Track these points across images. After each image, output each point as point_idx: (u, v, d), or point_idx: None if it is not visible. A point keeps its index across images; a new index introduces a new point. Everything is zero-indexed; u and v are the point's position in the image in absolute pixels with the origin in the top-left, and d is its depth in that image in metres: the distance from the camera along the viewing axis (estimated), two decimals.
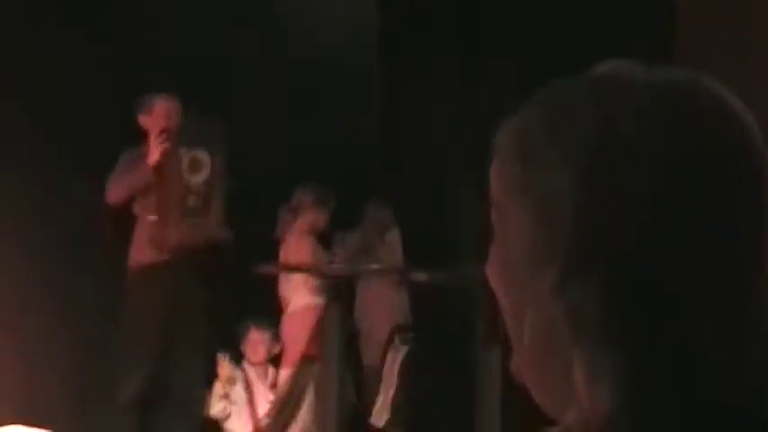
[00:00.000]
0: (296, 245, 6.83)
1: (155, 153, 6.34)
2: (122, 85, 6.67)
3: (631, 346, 0.88)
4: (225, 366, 6.69)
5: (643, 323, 0.89)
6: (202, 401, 6.71)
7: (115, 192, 6.38)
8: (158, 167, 6.40)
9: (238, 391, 6.73)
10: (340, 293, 5.89)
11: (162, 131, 6.33)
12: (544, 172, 0.92)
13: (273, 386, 6.79)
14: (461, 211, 6.88)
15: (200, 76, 6.82)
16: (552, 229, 0.91)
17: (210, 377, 6.76)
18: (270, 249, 6.82)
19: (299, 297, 6.72)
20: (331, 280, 6.05)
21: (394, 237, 7.23)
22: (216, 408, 6.69)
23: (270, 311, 6.80)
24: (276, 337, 6.77)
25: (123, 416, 6.47)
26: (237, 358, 6.83)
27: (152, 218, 6.43)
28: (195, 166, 6.54)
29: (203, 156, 6.55)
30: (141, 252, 6.49)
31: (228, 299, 6.90)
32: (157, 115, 6.39)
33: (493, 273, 0.98)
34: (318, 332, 6.40)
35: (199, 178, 6.52)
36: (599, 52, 1.13)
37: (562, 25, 6.06)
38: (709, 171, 0.90)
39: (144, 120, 6.42)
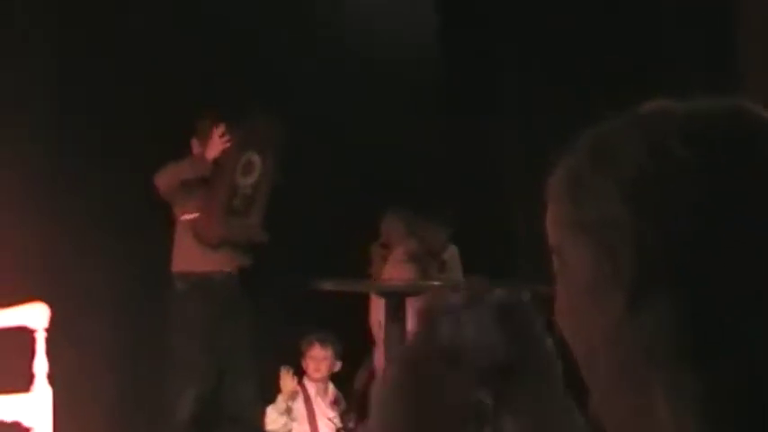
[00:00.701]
0: (398, 276, 6.89)
1: (214, 150, 6.41)
2: (186, 86, 6.76)
3: (708, 367, 0.88)
4: (287, 380, 6.70)
5: (717, 340, 0.88)
6: (259, 416, 6.74)
7: (164, 178, 6.41)
8: (216, 165, 6.47)
9: (298, 408, 6.73)
10: (400, 312, 5.88)
11: (224, 132, 6.40)
12: (598, 205, 0.93)
13: (334, 403, 6.79)
14: (521, 226, 6.87)
15: (261, 78, 6.86)
16: (614, 259, 0.92)
17: (268, 392, 6.79)
18: (329, 264, 6.85)
19: None
20: (391, 298, 6.03)
21: (451, 254, 7.22)
22: (277, 423, 6.70)
23: (332, 327, 6.80)
24: (338, 354, 6.78)
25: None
26: (298, 374, 6.84)
27: (194, 216, 6.51)
28: (247, 168, 6.65)
29: (256, 159, 6.65)
30: (184, 259, 6.58)
31: (289, 314, 6.94)
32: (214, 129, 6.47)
33: (561, 319, 0.99)
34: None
35: (248, 180, 6.65)
36: (659, 82, 1.13)
37: (621, 53, 6.06)
38: (760, 185, 0.92)
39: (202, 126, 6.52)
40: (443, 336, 1.08)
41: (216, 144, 6.43)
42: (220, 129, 6.42)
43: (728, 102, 0.96)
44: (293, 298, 6.77)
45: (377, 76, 7.58)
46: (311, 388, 6.77)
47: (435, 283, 6.88)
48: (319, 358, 6.74)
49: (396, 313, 5.94)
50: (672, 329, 0.89)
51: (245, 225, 6.66)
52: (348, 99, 7.42)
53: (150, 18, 6.77)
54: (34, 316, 5.50)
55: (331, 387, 6.84)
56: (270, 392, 6.77)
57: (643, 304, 0.90)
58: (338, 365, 6.79)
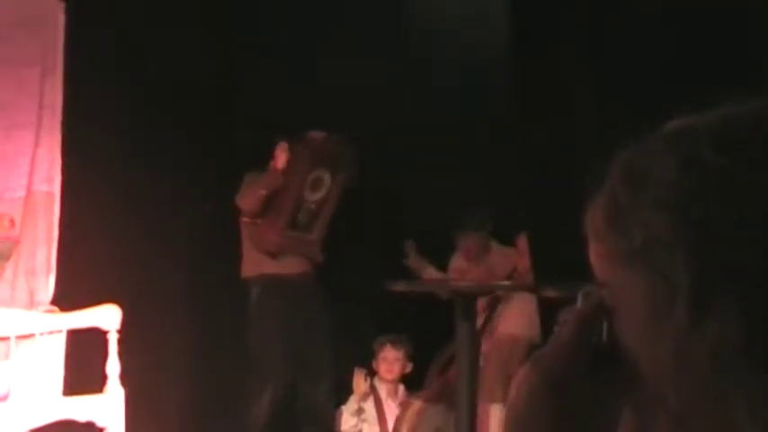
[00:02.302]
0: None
1: (279, 161, 6.52)
2: (260, 103, 6.82)
3: None
4: (360, 382, 6.72)
5: None
6: (333, 417, 6.76)
7: (246, 200, 6.57)
8: (286, 177, 6.53)
9: (369, 408, 6.74)
10: (471, 311, 5.85)
11: (286, 146, 6.50)
12: (641, 230, 0.92)
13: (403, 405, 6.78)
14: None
15: (339, 101, 6.90)
16: (668, 280, 0.91)
17: (342, 394, 6.81)
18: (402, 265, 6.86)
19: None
20: (461, 297, 6.00)
21: (496, 255, 7.17)
22: (348, 423, 6.72)
23: (404, 328, 6.80)
24: (409, 356, 6.78)
25: None
26: (370, 375, 6.85)
27: (257, 221, 6.58)
28: (316, 185, 6.70)
29: (326, 176, 6.70)
30: (254, 263, 6.64)
31: (363, 315, 6.95)
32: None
33: (626, 349, 0.97)
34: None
35: (315, 196, 6.70)
36: (743, 88, 1.10)
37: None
38: None
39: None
40: (593, 343, 1.04)
41: (280, 156, 6.51)
42: (284, 144, 6.52)
43: (755, 103, 0.95)
44: (368, 299, 6.78)
45: (448, 80, 7.58)
46: (382, 389, 6.78)
47: (505, 283, 6.85)
48: (391, 360, 6.76)
49: (467, 313, 5.91)
50: (741, 339, 0.87)
51: (304, 240, 6.72)
52: (424, 105, 7.42)
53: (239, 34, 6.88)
54: (107, 317, 5.57)
55: (402, 388, 6.84)
56: (344, 393, 6.80)
57: (705, 315, 0.88)
58: (409, 367, 6.80)
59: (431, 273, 7.20)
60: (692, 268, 0.89)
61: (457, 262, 7.21)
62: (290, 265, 6.69)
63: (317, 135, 6.63)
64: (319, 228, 6.75)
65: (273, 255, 6.64)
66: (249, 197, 6.56)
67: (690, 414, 0.92)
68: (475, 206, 7.06)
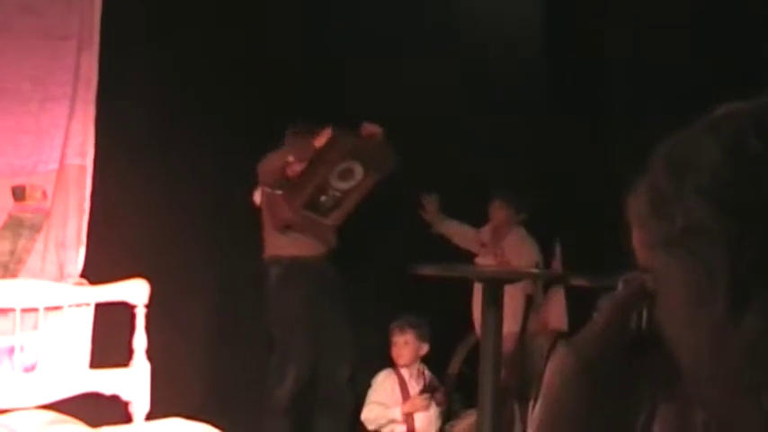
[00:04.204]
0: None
1: (322, 138, 6.50)
2: (292, 90, 6.83)
3: None
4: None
5: None
6: (353, 398, 6.78)
7: (269, 161, 6.54)
8: (317, 158, 6.53)
9: (395, 391, 6.75)
10: (497, 298, 5.84)
11: (329, 129, 6.51)
12: (682, 215, 0.92)
13: (429, 386, 6.77)
14: (623, 216, 6.77)
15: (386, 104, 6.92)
16: (708, 266, 0.90)
17: (364, 375, 6.83)
18: (429, 249, 6.85)
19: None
20: (488, 284, 6.00)
21: (516, 239, 7.13)
22: (372, 412, 6.74)
23: (431, 312, 6.79)
24: (423, 337, 6.75)
25: (277, 416, 6.60)
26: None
27: (277, 192, 6.58)
28: (346, 174, 6.71)
29: (359, 170, 6.70)
30: (274, 244, 6.65)
31: (389, 298, 6.96)
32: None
33: (665, 333, 0.97)
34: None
35: (342, 185, 6.71)
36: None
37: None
38: None
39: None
40: (631, 330, 1.04)
41: (322, 136, 6.51)
42: (329, 128, 6.52)
43: None
44: (394, 282, 6.78)
45: (484, 75, 7.58)
46: (405, 372, 6.78)
47: (534, 270, 6.83)
48: (399, 344, 6.75)
49: (493, 299, 5.91)
50: None
51: (318, 222, 6.71)
52: (455, 95, 7.42)
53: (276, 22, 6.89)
54: (135, 292, 5.60)
55: (425, 370, 6.83)
56: (366, 375, 6.81)
57: (744, 305, 0.88)
58: (425, 348, 6.76)
59: (449, 225, 7.14)
60: (731, 257, 0.89)
61: (484, 232, 7.16)
62: (307, 248, 6.70)
63: (368, 130, 6.61)
64: (337, 216, 6.74)
65: (285, 231, 6.64)
66: (273, 159, 6.53)
67: (725, 406, 0.92)
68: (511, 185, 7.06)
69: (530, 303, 6.95)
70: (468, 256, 7.14)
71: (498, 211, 7.07)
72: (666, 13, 6.63)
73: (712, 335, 0.90)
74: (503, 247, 7.03)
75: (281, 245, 6.67)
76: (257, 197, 6.74)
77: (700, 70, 6.33)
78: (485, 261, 7.03)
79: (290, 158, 6.54)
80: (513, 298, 6.69)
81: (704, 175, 0.91)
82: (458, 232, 7.15)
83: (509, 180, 7.10)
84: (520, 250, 7.00)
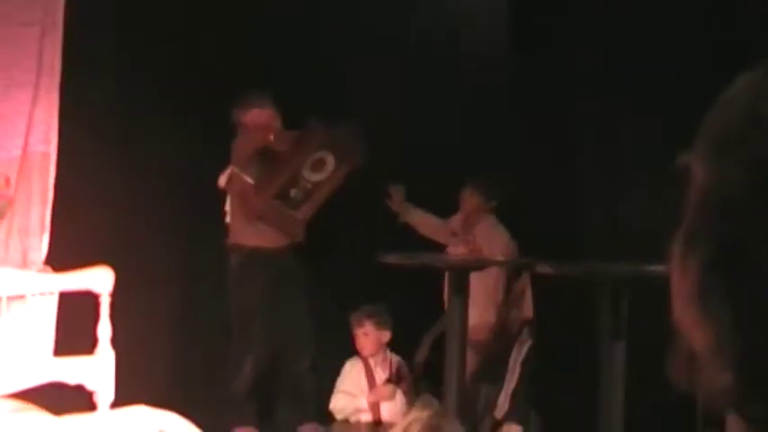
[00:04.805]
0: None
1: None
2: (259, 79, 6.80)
3: None
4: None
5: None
6: (314, 390, 6.78)
7: (246, 141, 6.59)
8: (289, 150, 6.55)
9: (361, 381, 6.75)
10: (462, 286, 5.86)
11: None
12: (699, 160, 0.93)
13: (397, 373, 6.78)
14: (589, 204, 6.81)
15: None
16: (695, 216, 0.92)
17: (325, 366, 6.83)
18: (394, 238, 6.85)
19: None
20: (454, 272, 6.01)
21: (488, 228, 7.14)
22: (340, 402, 6.75)
23: (399, 300, 6.79)
24: (383, 325, 6.74)
25: (236, 405, 6.60)
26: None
27: (249, 180, 6.56)
28: (317, 166, 6.70)
29: (330, 161, 6.69)
30: (238, 232, 6.63)
31: (354, 287, 6.96)
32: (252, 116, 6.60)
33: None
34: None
35: (314, 177, 6.68)
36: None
37: None
38: None
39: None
40: None
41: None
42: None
43: None
44: (361, 271, 6.78)
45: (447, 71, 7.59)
46: (371, 360, 6.79)
47: (500, 258, 6.85)
48: (360, 336, 6.76)
49: (458, 287, 5.92)
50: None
51: (288, 215, 6.70)
52: (424, 89, 7.43)
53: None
54: (99, 280, 5.55)
55: (392, 357, 6.83)
56: (335, 365, 6.81)
57: (691, 252, 0.91)
58: (386, 335, 6.76)
59: (415, 215, 7.13)
60: (697, 209, 0.92)
61: (454, 221, 7.16)
62: (270, 239, 6.69)
63: (345, 129, 6.63)
64: (307, 209, 6.72)
65: (254, 222, 6.62)
66: (251, 139, 6.56)
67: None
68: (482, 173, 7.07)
69: (509, 292, 6.98)
70: (438, 245, 7.15)
71: (469, 199, 7.08)
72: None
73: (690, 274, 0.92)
74: (474, 234, 7.04)
75: (245, 233, 6.66)
76: (222, 180, 6.71)
77: (668, 56, 6.36)
78: (456, 250, 7.03)
79: (271, 137, 6.54)
80: (485, 287, 6.72)
81: (715, 130, 0.93)
82: (424, 222, 7.14)
83: (480, 169, 7.11)
84: (491, 238, 7.01)
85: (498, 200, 7.08)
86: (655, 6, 6.37)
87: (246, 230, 6.64)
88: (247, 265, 6.63)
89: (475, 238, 7.02)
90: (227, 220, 6.72)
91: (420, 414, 3.10)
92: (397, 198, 7.10)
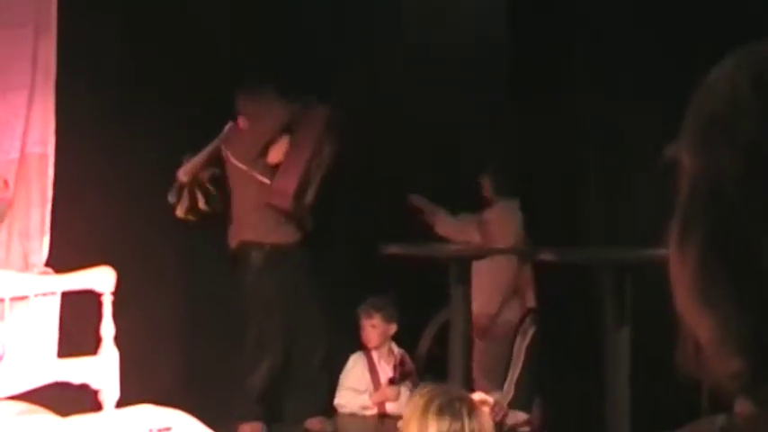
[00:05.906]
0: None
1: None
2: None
3: None
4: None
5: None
6: (326, 384, 6.78)
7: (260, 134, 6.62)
8: (300, 140, 6.59)
9: (365, 375, 6.75)
10: (465, 275, 5.85)
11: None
12: (686, 148, 0.93)
13: (400, 365, 6.78)
14: (591, 191, 6.79)
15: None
16: (683, 198, 0.92)
17: (336, 360, 6.83)
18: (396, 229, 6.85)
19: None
20: (456, 261, 6.00)
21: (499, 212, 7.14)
22: (345, 398, 6.76)
23: (403, 291, 6.78)
24: (389, 317, 6.75)
25: (249, 402, 6.59)
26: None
27: (264, 180, 6.53)
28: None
29: (325, 144, 6.70)
30: (253, 229, 6.61)
31: (359, 279, 6.95)
32: None
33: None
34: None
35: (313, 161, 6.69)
36: None
37: None
38: None
39: None
40: None
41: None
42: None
43: None
44: (364, 262, 6.77)
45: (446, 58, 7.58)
46: (375, 354, 6.79)
47: (501, 247, 6.83)
48: (367, 328, 6.77)
49: (461, 277, 5.92)
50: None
51: (301, 205, 6.69)
52: (416, 78, 7.41)
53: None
54: (101, 280, 5.55)
55: (395, 349, 6.83)
56: (340, 358, 6.81)
57: (687, 242, 0.90)
58: (393, 328, 6.77)
59: (448, 226, 7.12)
60: (689, 191, 0.91)
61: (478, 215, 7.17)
62: (290, 234, 6.68)
63: (335, 110, 6.64)
64: (311, 194, 6.72)
65: (266, 218, 6.60)
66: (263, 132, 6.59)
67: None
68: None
69: (517, 279, 6.99)
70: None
71: (484, 186, 7.11)
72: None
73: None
74: (487, 221, 7.05)
75: (261, 230, 6.61)
76: (182, 174, 6.67)
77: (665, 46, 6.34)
78: (473, 237, 7.03)
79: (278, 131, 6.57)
80: (492, 273, 6.71)
81: (702, 111, 0.92)
82: (455, 231, 7.11)
83: (491, 157, 7.11)
84: (503, 224, 7.01)
85: (510, 186, 7.08)
86: (655, 6, 6.35)
87: (262, 227, 6.60)
88: (267, 263, 6.60)
89: (488, 225, 7.02)
90: (239, 215, 6.68)
91: (422, 392, 3.11)
92: (426, 209, 7.11)
